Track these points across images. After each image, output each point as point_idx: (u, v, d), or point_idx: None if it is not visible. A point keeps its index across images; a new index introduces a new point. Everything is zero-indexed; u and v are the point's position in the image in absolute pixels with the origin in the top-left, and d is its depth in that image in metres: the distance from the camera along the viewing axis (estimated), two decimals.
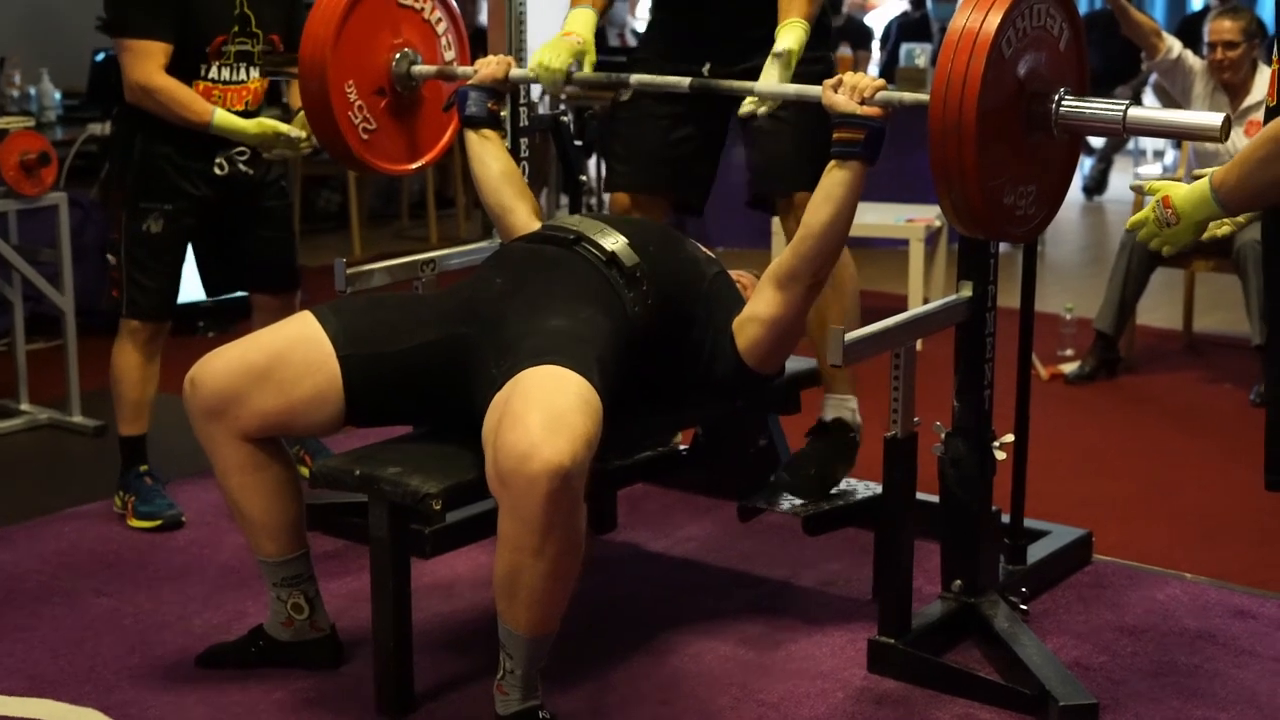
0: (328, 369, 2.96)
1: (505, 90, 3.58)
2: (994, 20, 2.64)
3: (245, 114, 3.98)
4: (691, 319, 3.10)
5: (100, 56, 6.63)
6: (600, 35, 9.62)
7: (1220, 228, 5.28)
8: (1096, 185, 10.23)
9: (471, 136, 3.49)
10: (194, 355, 3.04)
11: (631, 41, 10.29)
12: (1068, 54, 2.85)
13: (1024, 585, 3.50)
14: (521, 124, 4.01)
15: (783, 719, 3.04)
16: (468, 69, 3.61)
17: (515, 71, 3.53)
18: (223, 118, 3.89)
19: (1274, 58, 2.52)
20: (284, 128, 3.93)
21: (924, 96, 2.76)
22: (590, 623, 3.40)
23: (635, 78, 3.47)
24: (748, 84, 3.23)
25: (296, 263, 4.32)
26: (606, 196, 3.89)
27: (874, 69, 10.51)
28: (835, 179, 2.94)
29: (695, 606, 3.55)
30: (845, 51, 8.56)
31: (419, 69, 3.65)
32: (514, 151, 3.96)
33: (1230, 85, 5.52)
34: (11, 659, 3.29)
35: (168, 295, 4.06)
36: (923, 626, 3.27)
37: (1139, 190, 2.79)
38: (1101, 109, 2.76)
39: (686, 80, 3.37)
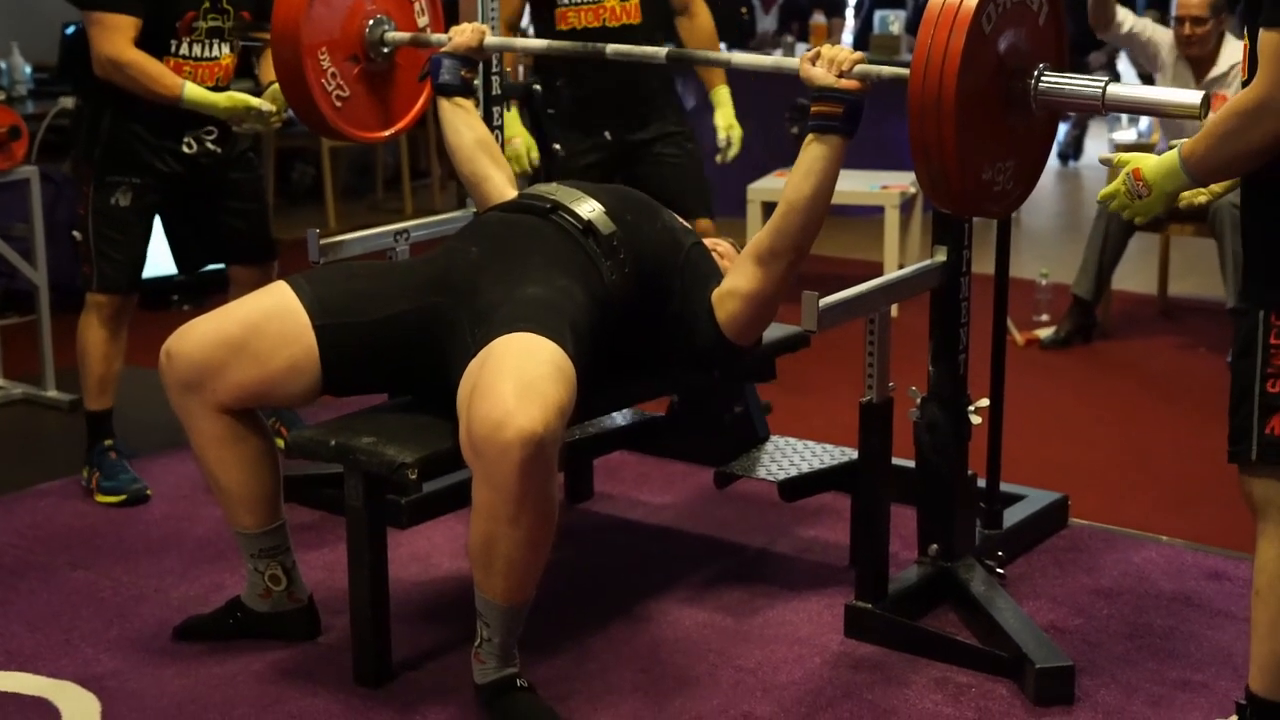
0: (304, 339, 2.95)
1: (479, 58, 3.56)
2: None
3: (215, 90, 3.96)
4: (669, 289, 3.08)
5: (71, 30, 6.57)
6: None
7: (1198, 196, 5.33)
8: (1072, 151, 10.22)
9: (445, 105, 3.47)
10: (169, 329, 3.03)
11: None
12: (1046, 29, 2.82)
13: (1000, 549, 3.51)
14: (494, 93, 3.99)
15: (760, 684, 3.05)
16: (441, 36, 3.59)
17: (490, 40, 3.51)
18: (194, 92, 3.87)
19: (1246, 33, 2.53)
20: (255, 101, 3.91)
21: (903, 71, 2.72)
22: (568, 591, 3.41)
23: (611, 48, 3.48)
24: (721, 55, 3.26)
25: (271, 233, 4.30)
26: None
27: (848, 36, 10.47)
28: (814, 153, 2.89)
29: (672, 574, 3.56)
30: (819, 19, 8.50)
31: (392, 36, 3.63)
32: (486, 121, 3.94)
33: (1196, 59, 5.55)
34: None
35: (135, 268, 4.05)
36: (899, 591, 3.28)
37: (1108, 163, 2.79)
38: (1080, 86, 2.73)
39: (664, 50, 3.39)
